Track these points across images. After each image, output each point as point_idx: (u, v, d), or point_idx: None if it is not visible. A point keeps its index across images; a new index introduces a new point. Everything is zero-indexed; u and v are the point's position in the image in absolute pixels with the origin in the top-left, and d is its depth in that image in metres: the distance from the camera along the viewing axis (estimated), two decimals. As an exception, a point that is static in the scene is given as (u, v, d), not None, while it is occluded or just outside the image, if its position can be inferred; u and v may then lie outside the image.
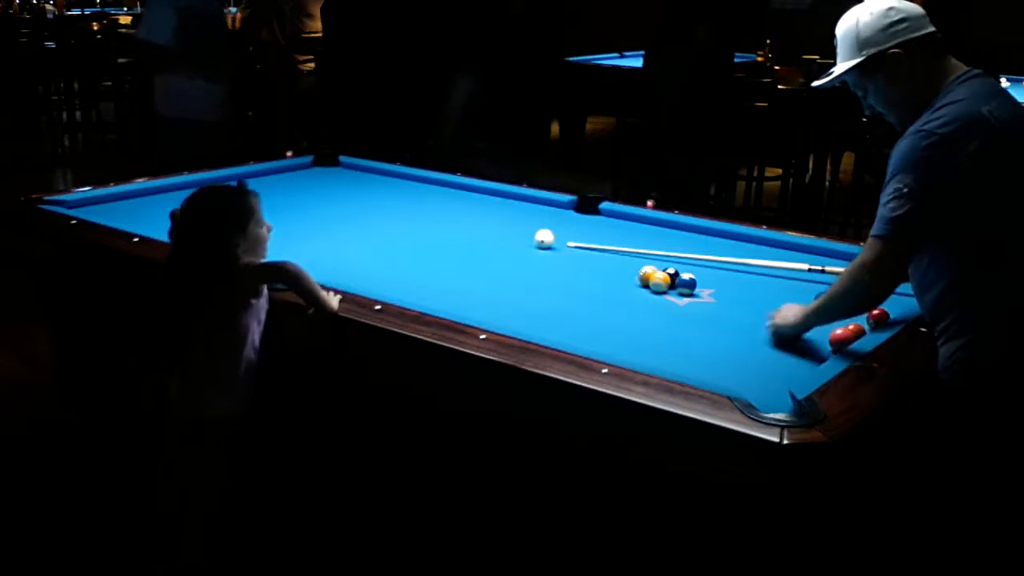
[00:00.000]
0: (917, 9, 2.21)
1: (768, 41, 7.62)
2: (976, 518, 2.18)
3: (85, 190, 3.41)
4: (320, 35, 6.53)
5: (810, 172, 6.35)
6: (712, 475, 1.80)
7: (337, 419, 2.45)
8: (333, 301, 2.33)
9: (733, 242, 3.10)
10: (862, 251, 2.17)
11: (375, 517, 2.46)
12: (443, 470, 2.27)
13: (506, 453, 2.13)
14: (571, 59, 8.33)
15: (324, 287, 2.40)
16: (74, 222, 3.03)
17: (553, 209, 3.52)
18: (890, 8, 2.19)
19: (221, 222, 2.30)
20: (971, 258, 2.10)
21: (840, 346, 2.20)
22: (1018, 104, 2.16)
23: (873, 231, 2.11)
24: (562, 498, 2.07)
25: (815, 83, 2.40)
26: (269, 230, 2.41)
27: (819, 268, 2.76)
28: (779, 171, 6.29)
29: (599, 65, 8.20)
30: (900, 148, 2.10)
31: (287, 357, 2.42)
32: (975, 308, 2.10)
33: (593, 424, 1.95)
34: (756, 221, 3.59)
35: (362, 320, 2.30)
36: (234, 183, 2.43)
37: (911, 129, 2.12)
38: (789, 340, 2.29)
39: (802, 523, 1.80)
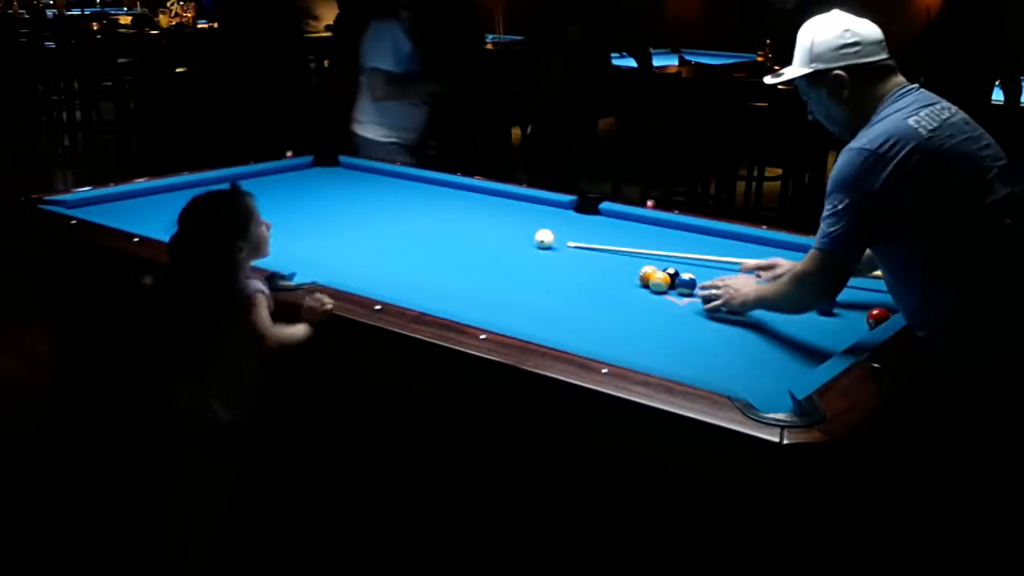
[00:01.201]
0: (874, 35, 2.27)
1: (768, 41, 7.62)
2: (977, 517, 2.18)
3: (85, 190, 3.41)
4: (322, 35, 6.59)
5: (809, 172, 6.36)
6: (712, 475, 1.81)
7: (337, 420, 2.45)
8: (297, 331, 2.28)
9: (733, 242, 3.10)
10: (803, 259, 2.28)
11: (375, 517, 2.46)
12: (443, 470, 2.28)
13: (506, 453, 2.13)
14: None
15: (314, 286, 2.41)
16: (74, 222, 3.03)
17: (553, 209, 3.52)
18: (847, 30, 2.25)
19: (222, 229, 2.27)
20: (929, 267, 2.14)
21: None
22: (950, 112, 2.19)
23: (815, 243, 2.21)
24: (562, 498, 2.07)
25: (766, 79, 2.46)
26: (268, 228, 2.38)
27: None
28: (779, 171, 6.30)
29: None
30: (837, 164, 2.19)
31: (286, 358, 2.42)
32: (948, 315, 2.12)
33: (593, 424, 1.95)
34: (756, 221, 3.59)
35: (362, 320, 2.30)
36: (226, 187, 2.38)
37: (847, 147, 2.19)
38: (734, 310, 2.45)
39: (802, 523, 1.80)
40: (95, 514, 3.00)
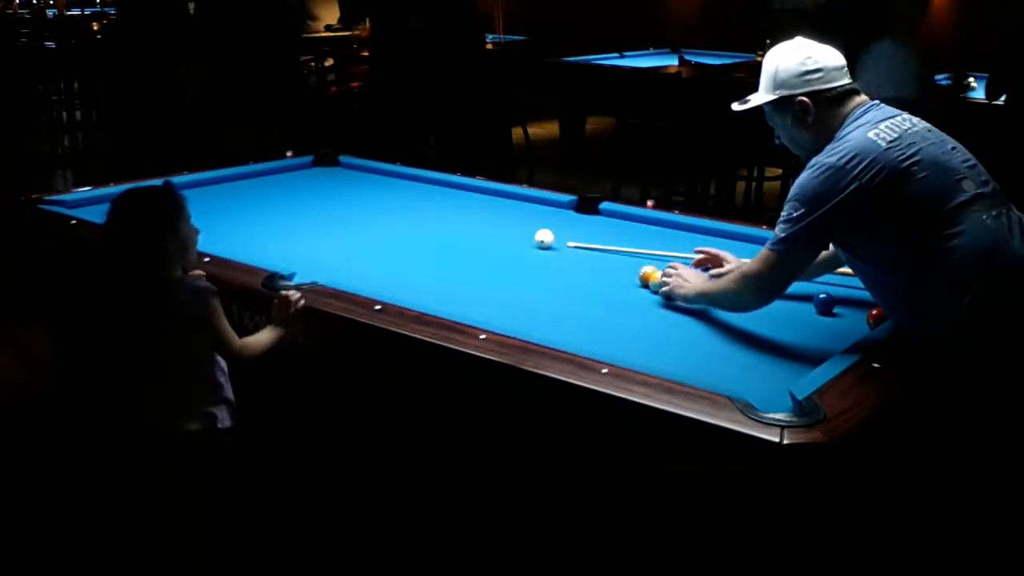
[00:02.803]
0: (836, 61, 2.33)
1: (768, 41, 7.62)
2: (978, 517, 2.18)
3: (85, 190, 3.41)
4: (322, 35, 6.62)
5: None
6: (712, 475, 1.81)
7: (337, 420, 2.45)
8: (261, 338, 2.30)
9: (733, 242, 3.09)
10: (752, 259, 2.33)
11: (375, 518, 2.46)
12: (443, 470, 2.28)
13: (506, 453, 2.13)
14: (571, 59, 8.36)
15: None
16: (74, 222, 3.03)
17: (553, 209, 3.52)
18: (809, 56, 2.31)
19: (152, 221, 2.24)
20: (907, 267, 2.15)
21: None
22: (911, 123, 2.24)
23: (766, 245, 2.28)
24: (562, 498, 2.07)
25: (734, 105, 2.50)
26: (198, 233, 2.34)
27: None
28: (779, 171, 6.29)
29: (599, 65, 8.22)
30: (800, 176, 2.26)
31: (285, 358, 2.42)
32: (933, 311, 2.13)
33: (593, 424, 1.95)
34: (756, 221, 3.59)
35: (362, 320, 2.30)
36: (160, 183, 2.36)
37: (811, 160, 2.25)
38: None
39: (802, 524, 1.80)
40: (93, 515, 3.00)
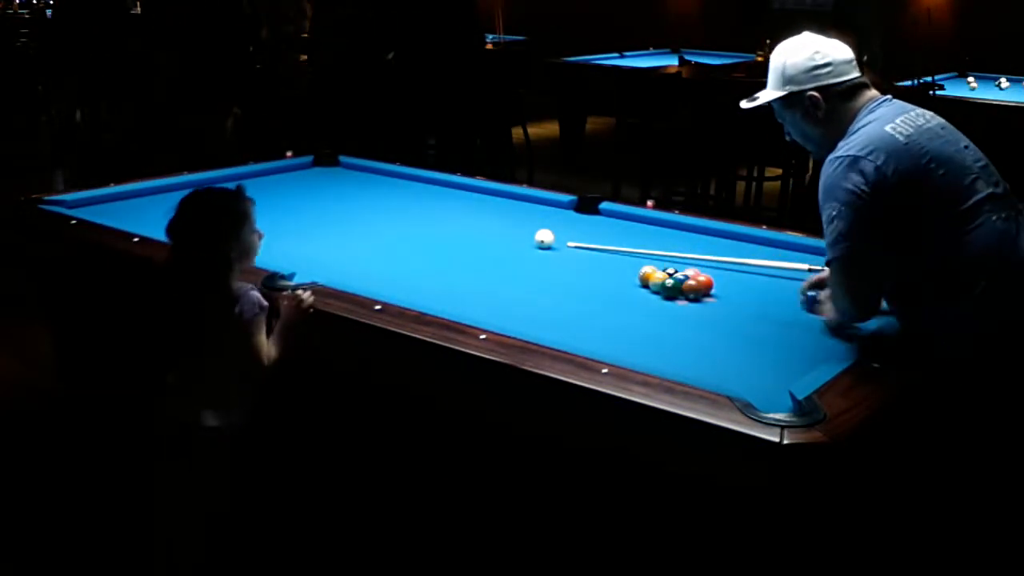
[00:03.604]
0: (844, 55, 2.30)
1: (768, 41, 7.63)
2: (978, 516, 2.18)
3: (85, 190, 3.41)
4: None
5: (810, 172, 6.35)
6: (712, 475, 1.81)
7: (337, 420, 2.45)
8: (274, 348, 2.31)
9: (733, 242, 3.10)
10: (827, 281, 2.27)
11: (375, 518, 2.46)
12: (443, 470, 2.28)
13: (506, 453, 2.13)
14: (571, 59, 8.36)
15: (314, 286, 2.41)
16: (74, 222, 3.03)
17: (553, 209, 3.52)
18: (817, 51, 2.29)
19: (216, 225, 2.27)
20: (915, 265, 2.14)
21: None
22: (926, 118, 2.22)
23: (827, 258, 2.19)
24: (562, 498, 2.07)
25: (742, 103, 2.48)
26: (260, 238, 2.37)
27: (819, 268, 2.76)
28: (779, 171, 6.29)
29: (599, 65, 8.23)
30: (822, 179, 2.20)
31: (285, 358, 2.42)
32: (935, 311, 2.13)
33: (593, 424, 1.95)
34: (756, 221, 3.59)
35: (362, 320, 2.30)
36: (232, 186, 2.39)
37: (828, 158, 2.21)
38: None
39: (802, 524, 1.80)
40: (94, 514, 3.00)
